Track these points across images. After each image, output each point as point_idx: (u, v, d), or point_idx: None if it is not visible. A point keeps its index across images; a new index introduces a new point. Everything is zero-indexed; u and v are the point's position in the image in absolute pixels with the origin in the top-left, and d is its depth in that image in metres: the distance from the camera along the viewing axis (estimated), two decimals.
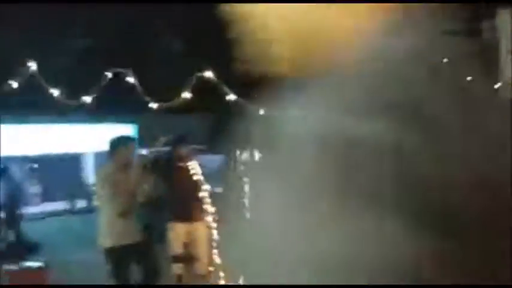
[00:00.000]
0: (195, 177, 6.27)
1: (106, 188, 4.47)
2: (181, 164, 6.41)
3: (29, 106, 9.74)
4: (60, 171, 23.49)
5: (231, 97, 5.92)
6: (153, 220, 9.32)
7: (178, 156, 6.51)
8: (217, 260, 6.21)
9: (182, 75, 5.64)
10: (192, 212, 6.27)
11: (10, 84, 4.98)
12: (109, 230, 4.53)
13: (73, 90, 5.46)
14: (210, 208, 6.32)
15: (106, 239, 4.51)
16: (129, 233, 4.52)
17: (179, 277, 6.34)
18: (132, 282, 4.55)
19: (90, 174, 19.95)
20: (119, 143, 4.51)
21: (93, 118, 18.47)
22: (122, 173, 4.49)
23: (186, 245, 6.33)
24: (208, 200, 6.32)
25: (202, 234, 6.32)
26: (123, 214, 4.41)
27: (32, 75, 4.85)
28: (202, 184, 6.29)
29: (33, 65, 5.03)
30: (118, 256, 4.50)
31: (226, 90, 5.76)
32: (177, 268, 6.34)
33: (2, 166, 12.26)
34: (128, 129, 21.77)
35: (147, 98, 5.47)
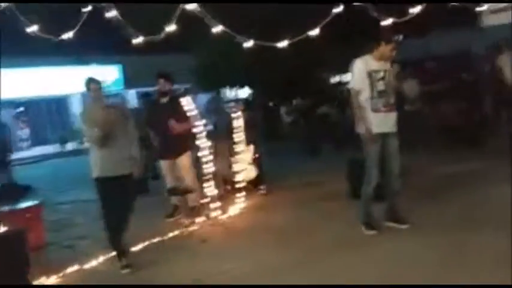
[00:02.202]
0: (179, 113, 6.24)
1: (86, 124, 4.86)
2: (163, 100, 6.43)
3: (8, 46, 9.43)
4: (48, 115, 23.32)
5: (218, 29, 5.71)
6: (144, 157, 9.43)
7: (160, 93, 6.51)
8: (210, 192, 6.31)
9: (166, 9, 5.43)
10: (175, 148, 6.32)
11: None
12: (94, 162, 4.90)
13: (52, 27, 5.26)
14: (203, 142, 6.33)
15: (93, 171, 4.92)
16: (112, 166, 4.84)
17: (175, 207, 6.53)
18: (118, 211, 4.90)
19: (77, 116, 19.81)
20: (87, 84, 4.92)
21: (78, 60, 18.11)
22: (99, 110, 4.88)
23: (178, 178, 6.43)
24: (201, 135, 6.32)
25: (186, 166, 6.41)
26: (99, 143, 4.77)
27: (7, 12, 4.63)
28: (194, 119, 6.26)
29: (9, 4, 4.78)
30: (102, 186, 4.86)
31: (213, 22, 5.55)
32: (173, 200, 6.57)
33: None
34: (114, 70, 21.56)
35: (132, 33, 5.27)
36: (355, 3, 5.81)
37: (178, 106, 6.31)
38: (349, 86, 5.37)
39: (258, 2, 10.37)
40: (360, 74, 5.11)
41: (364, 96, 5.11)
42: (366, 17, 5.99)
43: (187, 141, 6.38)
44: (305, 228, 5.63)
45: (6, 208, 5.57)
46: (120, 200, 4.89)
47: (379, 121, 5.10)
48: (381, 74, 5.11)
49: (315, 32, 5.91)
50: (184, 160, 6.41)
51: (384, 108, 5.10)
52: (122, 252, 4.94)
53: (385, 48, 5.10)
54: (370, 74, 5.09)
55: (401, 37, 5.26)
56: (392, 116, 5.18)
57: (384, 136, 5.15)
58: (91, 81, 4.90)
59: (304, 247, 4.95)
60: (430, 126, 9.63)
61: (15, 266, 4.36)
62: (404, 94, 10.48)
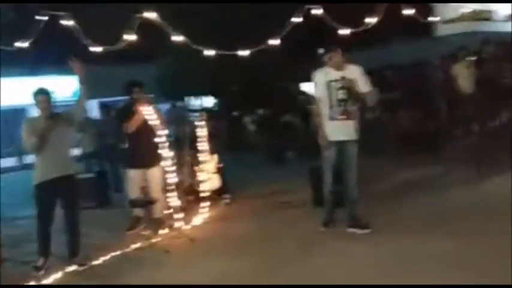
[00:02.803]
0: (150, 123, 6.17)
1: (26, 133, 5.03)
2: (135, 110, 6.28)
3: None
4: (4, 126, 22.60)
5: (177, 38, 5.69)
6: (106, 167, 9.29)
7: (133, 102, 6.38)
8: (173, 203, 6.25)
9: (123, 17, 5.37)
10: (147, 157, 6.23)
11: None
12: (35, 170, 5.09)
13: (7, 37, 5.14)
14: (166, 153, 6.27)
15: (34, 179, 5.06)
16: (52, 169, 5.02)
17: (137, 219, 6.41)
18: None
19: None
20: (35, 95, 5.06)
21: (36, 71, 17.69)
22: (41, 120, 5.02)
23: (143, 189, 6.34)
24: (164, 145, 6.25)
25: (158, 179, 6.31)
26: (35, 150, 4.97)
27: None
28: (158, 129, 6.19)
29: None
30: (42, 190, 5.02)
31: (171, 31, 5.53)
32: (135, 211, 6.44)
33: None
34: (73, 81, 21.19)
35: (89, 43, 5.19)
36: (312, 13, 5.92)
37: (155, 114, 6.23)
38: (314, 95, 5.57)
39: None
40: (319, 84, 5.35)
41: (324, 105, 5.25)
42: (324, 26, 6.11)
43: (158, 152, 6.28)
44: (268, 236, 5.67)
45: None
46: (67, 202, 5.10)
47: (335, 129, 5.32)
48: (340, 83, 5.24)
49: (275, 41, 5.99)
50: (156, 171, 6.31)
51: (341, 116, 5.29)
52: (46, 256, 5.08)
53: (333, 57, 5.31)
54: (329, 84, 5.27)
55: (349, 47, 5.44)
56: (349, 124, 5.35)
57: (340, 144, 5.34)
58: (39, 93, 5.04)
59: (267, 254, 4.99)
60: (389, 134, 9.87)
61: None
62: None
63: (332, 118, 5.30)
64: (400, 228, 5.27)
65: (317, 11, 6.02)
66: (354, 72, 5.42)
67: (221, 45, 6.07)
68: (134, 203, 6.32)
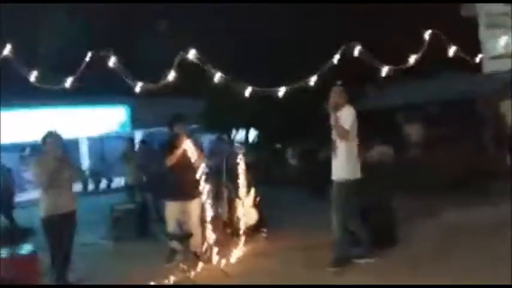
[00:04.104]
0: (190, 156, 6.24)
1: (36, 171, 5.59)
2: (177, 143, 6.37)
3: (13, 92, 9.62)
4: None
5: (218, 77, 5.81)
6: (147, 199, 9.43)
7: (174, 135, 6.48)
8: (211, 236, 6.24)
9: (167, 56, 5.55)
10: (186, 190, 6.27)
11: None
12: (42, 203, 5.53)
13: (56, 73, 5.40)
14: (205, 186, 6.30)
15: (41, 211, 5.50)
16: (59, 205, 5.48)
17: (174, 252, 6.40)
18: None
19: (85, 158, 19.87)
20: (44, 137, 5.63)
21: (85, 103, 18.33)
22: (49, 161, 5.53)
23: (180, 223, 6.36)
24: (204, 178, 6.29)
25: (195, 213, 6.33)
26: (44, 187, 5.49)
27: (8, 58, 4.75)
28: (198, 163, 6.25)
29: (8, 48, 4.89)
30: (49, 225, 5.45)
31: (213, 70, 5.67)
32: (173, 244, 6.40)
33: None
34: (121, 111, 21.80)
35: (132, 81, 5.39)
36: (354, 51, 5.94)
37: (195, 148, 6.33)
38: None
39: None
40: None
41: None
42: (363, 65, 6.12)
43: (197, 185, 6.33)
44: (304, 274, 5.54)
45: (4, 253, 5.53)
46: (68, 233, 5.55)
47: (333, 168, 5.61)
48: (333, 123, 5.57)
49: (312, 80, 6.05)
50: (195, 205, 6.35)
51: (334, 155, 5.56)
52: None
53: (332, 97, 5.63)
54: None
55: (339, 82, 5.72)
56: (341, 164, 5.52)
57: (337, 183, 5.58)
58: (48, 136, 5.62)
59: None
60: (434, 171, 9.58)
61: None
62: (408, 138, 10.52)
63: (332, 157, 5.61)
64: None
65: (358, 48, 6.02)
66: (345, 113, 5.58)
67: (258, 83, 6.16)
68: (172, 236, 6.35)
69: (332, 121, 5.52)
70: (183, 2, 10.09)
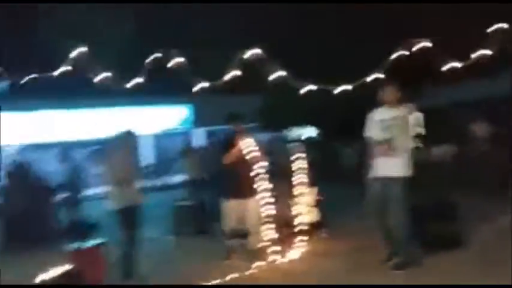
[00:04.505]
0: (249, 154, 6.26)
1: (109, 166, 6.01)
2: (235, 141, 6.41)
3: (80, 91, 10.05)
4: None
5: (280, 73, 5.82)
6: (206, 195, 9.56)
7: (233, 133, 6.53)
8: (269, 235, 6.23)
9: (228, 54, 5.61)
10: (245, 188, 6.29)
11: (61, 69, 5.18)
12: (113, 197, 5.88)
13: (122, 73, 5.60)
14: (264, 184, 6.30)
15: (112, 204, 5.87)
16: (129, 199, 5.80)
17: (232, 250, 6.47)
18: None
19: (149, 155, 20.38)
20: (123, 135, 6.07)
21: (148, 101, 18.86)
22: (123, 157, 5.95)
23: (239, 221, 6.39)
24: (263, 176, 6.29)
25: (254, 211, 6.34)
26: (118, 184, 5.83)
27: (82, 59, 4.99)
28: (257, 161, 6.27)
29: (83, 49, 5.14)
30: (120, 217, 5.80)
31: (276, 66, 5.68)
32: (231, 242, 6.49)
33: (63, 150, 12.80)
34: (184, 110, 22.29)
35: (197, 79, 5.51)
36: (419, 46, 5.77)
37: (255, 146, 6.36)
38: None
39: None
40: (370, 123, 5.64)
41: (375, 143, 5.56)
42: (430, 59, 5.92)
43: (255, 184, 6.32)
44: (364, 274, 5.43)
45: (70, 246, 5.78)
46: (135, 227, 5.86)
47: (381, 165, 5.52)
48: (388, 123, 5.50)
49: (373, 76, 5.93)
50: (253, 203, 6.36)
51: (386, 153, 5.45)
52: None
53: (385, 95, 5.56)
54: (380, 122, 5.55)
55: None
56: (396, 161, 5.43)
57: (385, 180, 5.45)
58: (124, 134, 6.06)
59: None
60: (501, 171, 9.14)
61: None
62: (473, 135, 10.10)
63: (379, 155, 5.49)
64: None
65: (425, 44, 5.84)
66: (405, 112, 5.52)
67: (318, 80, 6.10)
68: (229, 234, 6.39)
69: (388, 120, 5.52)
70: (242, 2, 10.16)
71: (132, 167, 6.08)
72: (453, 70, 6.07)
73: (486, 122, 10.20)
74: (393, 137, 5.48)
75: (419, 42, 5.92)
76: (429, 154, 9.01)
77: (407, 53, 6.13)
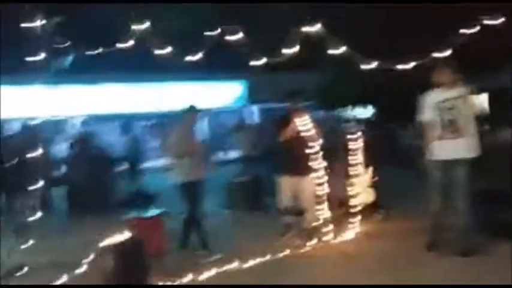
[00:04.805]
0: (305, 132, 6.23)
1: (173, 143, 6.11)
2: (292, 118, 6.36)
3: (140, 66, 10.26)
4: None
5: (342, 50, 5.70)
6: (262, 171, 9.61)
7: (290, 111, 6.49)
8: (324, 214, 6.21)
9: (288, 30, 5.53)
10: (301, 166, 6.26)
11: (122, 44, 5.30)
12: (176, 170, 6.07)
13: (182, 48, 5.66)
14: (320, 163, 6.26)
15: (180, 177, 6.03)
16: (191, 174, 5.96)
17: (288, 227, 6.48)
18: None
19: (205, 131, 20.69)
20: (186, 110, 6.25)
21: (205, 76, 19.03)
22: (187, 134, 6.13)
23: (294, 198, 6.39)
24: (319, 155, 6.25)
25: (309, 189, 6.32)
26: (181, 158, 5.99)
27: (143, 34, 5.08)
28: (313, 139, 6.23)
29: (144, 25, 5.23)
30: (184, 190, 5.99)
31: (335, 43, 5.57)
32: (286, 219, 6.49)
33: (124, 123, 13.20)
34: (239, 86, 22.37)
35: (253, 56, 5.49)
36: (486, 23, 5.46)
37: (311, 124, 6.32)
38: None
39: None
40: (427, 107, 5.46)
41: (433, 127, 5.40)
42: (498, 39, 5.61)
43: (310, 162, 6.28)
44: (416, 258, 5.33)
45: (131, 216, 5.98)
46: (198, 200, 6.09)
47: (443, 148, 5.33)
48: (449, 104, 5.31)
49: (442, 54, 5.68)
50: (308, 181, 6.32)
51: (450, 135, 5.29)
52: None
53: (440, 77, 5.38)
54: (438, 105, 5.36)
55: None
56: (460, 142, 5.26)
57: (449, 163, 5.29)
58: (189, 109, 6.23)
59: (414, 279, 4.68)
60: None
61: (134, 273, 4.64)
62: None
63: (441, 138, 5.33)
64: None
65: (492, 22, 5.53)
66: (463, 92, 5.33)
67: (382, 57, 5.92)
68: (284, 211, 6.41)
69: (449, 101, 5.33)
70: None
71: (197, 141, 6.24)
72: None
73: None
74: (455, 119, 5.30)
75: (488, 19, 5.61)
76: (498, 137, 8.62)
77: (475, 31, 5.84)
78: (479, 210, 5.46)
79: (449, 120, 5.32)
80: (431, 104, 5.43)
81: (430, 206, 5.52)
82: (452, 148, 5.30)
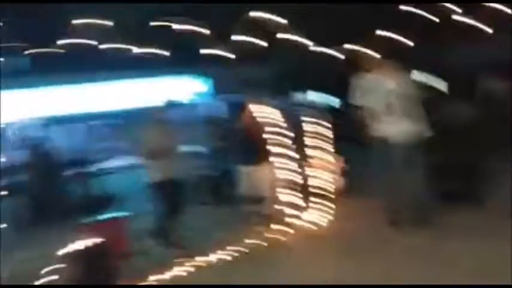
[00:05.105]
0: (259, 120, 6.25)
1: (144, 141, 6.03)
2: (245, 108, 6.42)
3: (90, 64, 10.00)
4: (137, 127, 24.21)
5: (290, 36, 5.71)
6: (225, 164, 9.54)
7: (243, 102, 6.52)
8: (287, 199, 6.23)
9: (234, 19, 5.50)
10: (257, 154, 6.33)
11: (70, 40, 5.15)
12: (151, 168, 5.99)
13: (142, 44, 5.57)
14: (278, 149, 6.27)
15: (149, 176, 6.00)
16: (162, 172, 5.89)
17: (252, 214, 6.49)
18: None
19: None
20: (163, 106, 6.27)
21: (166, 72, 18.69)
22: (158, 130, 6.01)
23: (253, 186, 6.42)
24: (276, 142, 6.26)
25: (267, 176, 6.38)
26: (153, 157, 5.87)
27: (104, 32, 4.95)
28: (267, 126, 6.25)
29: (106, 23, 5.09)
30: (159, 188, 5.91)
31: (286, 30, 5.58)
32: (249, 207, 6.52)
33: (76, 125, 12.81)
34: (201, 82, 22.12)
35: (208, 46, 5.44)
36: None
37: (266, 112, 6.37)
38: None
39: None
40: None
41: None
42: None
43: (266, 149, 6.35)
44: (380, 239, 5.41)
45: (91, 220, 5.83)
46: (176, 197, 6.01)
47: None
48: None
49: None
50: (266, 168, 6.41)
51: None
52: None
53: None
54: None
55: None
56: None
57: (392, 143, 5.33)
58: (164, 106, 6.19)
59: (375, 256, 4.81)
60: None
61: (98, 277, 4.53)
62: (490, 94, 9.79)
63: (379, 121, 5.42)
64: None
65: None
66: (394, 76, 5.43)
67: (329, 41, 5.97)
68: (246, 199, 6.41)
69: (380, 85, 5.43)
70: None
71: (169, 139, 6.05)
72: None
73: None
74: (391, 102, 5.37)
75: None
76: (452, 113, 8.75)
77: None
78: (434, 183, 5.57)
79: (387, 104, 5.38)
80: (365, 89, 5.48)
81: (385, 183, 5.59)
82: (391, 129, 5.39)
